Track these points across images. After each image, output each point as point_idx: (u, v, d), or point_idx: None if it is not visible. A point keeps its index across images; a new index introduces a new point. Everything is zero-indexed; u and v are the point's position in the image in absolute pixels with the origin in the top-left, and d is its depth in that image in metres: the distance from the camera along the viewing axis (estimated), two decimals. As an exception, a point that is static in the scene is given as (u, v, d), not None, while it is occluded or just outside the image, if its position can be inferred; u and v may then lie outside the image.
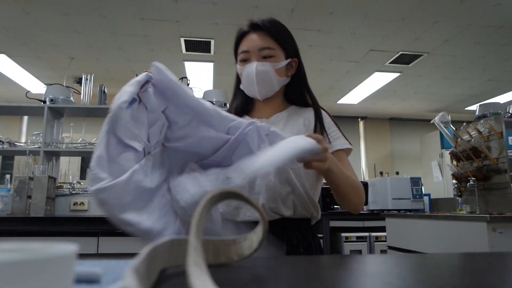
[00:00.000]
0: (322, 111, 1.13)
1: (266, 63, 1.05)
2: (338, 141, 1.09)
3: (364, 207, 4.82)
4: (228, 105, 2.00)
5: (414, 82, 5.58)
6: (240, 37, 1.09)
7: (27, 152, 2.90)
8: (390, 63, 4.87)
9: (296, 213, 1.02)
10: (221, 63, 4.85)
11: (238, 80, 1.14)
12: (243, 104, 1.14)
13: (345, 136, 1.11)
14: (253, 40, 1.06)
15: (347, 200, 1.00)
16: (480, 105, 3.59)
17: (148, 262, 0.36)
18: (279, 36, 1.09)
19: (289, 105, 1.15)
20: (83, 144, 3.21)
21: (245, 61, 1.07)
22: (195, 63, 4.84)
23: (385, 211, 4.00)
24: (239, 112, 1.13)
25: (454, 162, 3.22)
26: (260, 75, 1.04)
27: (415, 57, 4.68)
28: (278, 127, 1.02)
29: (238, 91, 1.15)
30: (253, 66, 1.04)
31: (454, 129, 3.21)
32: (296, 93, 1.14)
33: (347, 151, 1.09)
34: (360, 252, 4.04)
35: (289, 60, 1.09)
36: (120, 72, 5.15)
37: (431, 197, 5.05)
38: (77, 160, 4.75)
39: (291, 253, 0.99)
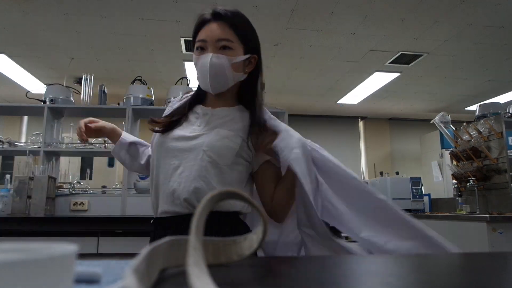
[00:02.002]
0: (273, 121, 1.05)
1: (222, 55, 0.99)
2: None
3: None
4: None
5: (414, 82, 5.58)
6: (200, 25, 1.03)
7: (27, 152, 2.90)
8: (390, 63, 4.87)
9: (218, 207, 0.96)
10: (221, 63, 4.85)
11: None
12: (197, 94, 1.12)
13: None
14: (212, 30, 1.00)
15: (287, 205, 1.02)
16: (480, 105, 3.60)
17: (148, 262, 0.36)
18: (240, 28, 1.03)
19: (237, 104, 1.10)
20: (83, 144, 3.22)
21: (201, 50, 1.01)
22: (195, 63, 4.84)
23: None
24: (193, 102, 1.11)
25: (454, 162, 3.22)
26: (214, 68, 0.98)
27: (415, 57, 4.68)
28: (218, 121, 1.03)
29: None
30: (208, 58, 0.99)
31: (454, 129, 3.21)
32: (250, 92, 1.08)
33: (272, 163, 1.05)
34: (360, 252, 4.04)
35: (248, 56, 1.03)
36: (120, 72, 5.15)
37: (431, 197, 5.06)
38: (77, 160, 4.75)
39: None
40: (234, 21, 1.03)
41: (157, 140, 1.05)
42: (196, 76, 1.05)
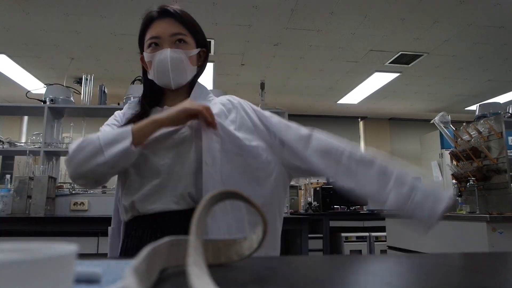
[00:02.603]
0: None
1: (179, 50, 1.01)
2: None
3: (364, 207, 4.83)
4: None
5: (414, 82, 5.58)
6: (148, 22, 1.04)
7: (27, 152, 2.90)
8: (390, 63, 4.87)
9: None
10: (221, 63, 4.85)
11: (145, 71, 1.09)
12: (152, 95, 1.09)
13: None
14: (164, 26, 1.01)
15: None
16: (480, 105, 3.59)
17: (148, 262, 0.36)
18: (188, 23, 1.05)
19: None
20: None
21: (155, 47, 1.01)
22: (195, 63, 4.84)
23: (385, 211, 4.00)
24: (150, 103, 1.08)
25: (454, 162, 3.22)
26: (174, 62, 1.00)
27: (415, 57, 4.68)
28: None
29: (146, 81, 1.10)
30: (167, 53, 0.99)
31: (454, 129, 3.21)
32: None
33: None
34: (360, 252, 4.05)
35: (199, 49, 1.06)
36: (120, 72, 5.15)
37: (431, 197, 5.05)
38: (77, 160, 4.74)
39: None
40: (182, 17, 1.04)
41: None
42: (151, 74, 1.04)
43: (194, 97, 1.05)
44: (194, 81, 1.09)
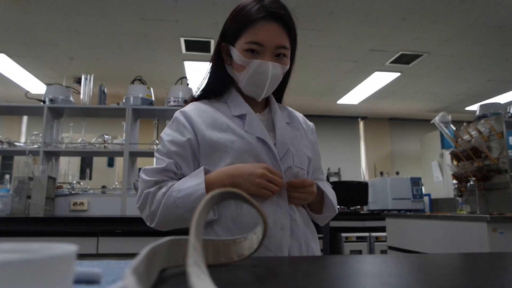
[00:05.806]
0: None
1: (278, 64, 0.92)
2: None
3: (364, 207, 4.83)
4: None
5: (414, 82, 5.58)
6: (252, 19, 0.90)
7: (27, 152, 2.90)
8: (390, 63, 4.87)
9: None
10: (221, 63, 4.85)
11: (220, 61, 0.99)
12: (220, 86, 1.02)
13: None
14: (270, 34, 0.90)
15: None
16: (480, 105, 3.59)
17: (148, 262, 0.36)
18: (293, 33, 0.95)
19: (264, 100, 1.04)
20: (83, 144, 3.21)
21: (253, 54, 0.91)
22: (195, 63, 4.83)
23: (385, 211, 4.00)
24: (216, 94, 1.01)
25: (454, 162, 3.22)
26: (273, 78, 0.92)
27: (415, 57, 4.68)
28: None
29: (217, 72, 1.00)
30: (268, 67, 0.90)
31: (455, 129, 3.21)
32: (278, 90, 1.07)
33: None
34: (360, 252, 4.04)
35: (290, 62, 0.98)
36: (120, 72, 5.15)
37: (431, 197, 5.06)
38: (77, 160, 4.75)
39: None
40: (289, 23, 0.95)
41: None
42: (240, 77, 0.94)
43: (273, 110, 1.05)
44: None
